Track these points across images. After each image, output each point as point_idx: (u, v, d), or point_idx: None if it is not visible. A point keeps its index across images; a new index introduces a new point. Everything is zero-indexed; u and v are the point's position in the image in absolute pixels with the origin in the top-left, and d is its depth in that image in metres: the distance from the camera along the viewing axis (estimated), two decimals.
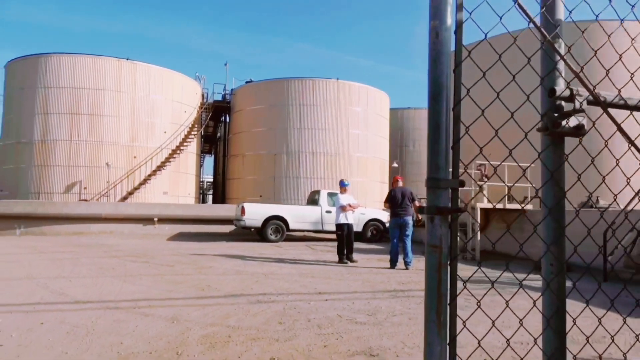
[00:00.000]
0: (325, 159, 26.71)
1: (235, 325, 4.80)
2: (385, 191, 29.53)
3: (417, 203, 10.16)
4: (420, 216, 10.17)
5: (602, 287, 2.25)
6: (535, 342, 1.50)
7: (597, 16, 1.62)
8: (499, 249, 13.54)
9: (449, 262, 1.20)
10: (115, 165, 23.98)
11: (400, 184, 10.29)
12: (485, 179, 13.39)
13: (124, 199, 23.98)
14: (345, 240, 10.50)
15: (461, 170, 1.26)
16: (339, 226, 10.66)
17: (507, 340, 1.60)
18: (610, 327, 3.72)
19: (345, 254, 10.46)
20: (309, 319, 5.13)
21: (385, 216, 17.20)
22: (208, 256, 11.07)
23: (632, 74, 1.71)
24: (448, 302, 1.19)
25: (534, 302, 1.50)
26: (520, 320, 1.54)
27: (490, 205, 12.33)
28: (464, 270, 10.06)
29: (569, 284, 1.49)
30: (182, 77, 27.54)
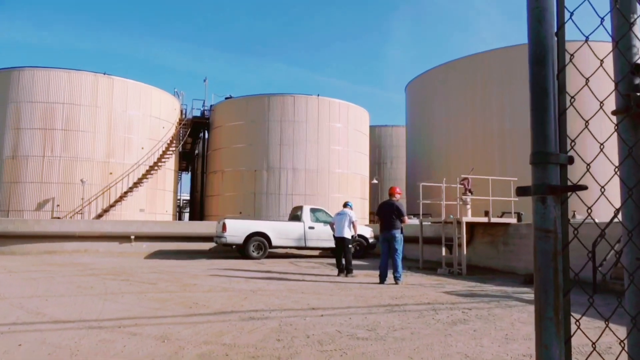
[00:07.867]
0: (306, 175, 26.55)
1: (230, 343, 4.52)
2: (366, 207, 29.53)
3: (404, 219, 9.87)
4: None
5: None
6: (622, 346, 1.35)
7: None
8: (483, 263, 13.52)
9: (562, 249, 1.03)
10: (90, 182, 23.27)
11: (398, 197, 9.97)
12: (470, 193, 13.43)
13: (99, 216, 23.23)
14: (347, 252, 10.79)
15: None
16: (350, 239, 10.81)
17: (622, 341, 1.44)
18: None
19: (350, 266, 10.68)
20: (307, 335, 4.89)
21: (368, 232, 17.00)
22: (190, 273, 10.67)
23: None
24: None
25: (619, 301, 1.36)
26: (606, 320, 1.38)
27: (476, 219, 12.31)
28: (458, 284, 9.93)
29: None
30: (160, 93, 27.13)
